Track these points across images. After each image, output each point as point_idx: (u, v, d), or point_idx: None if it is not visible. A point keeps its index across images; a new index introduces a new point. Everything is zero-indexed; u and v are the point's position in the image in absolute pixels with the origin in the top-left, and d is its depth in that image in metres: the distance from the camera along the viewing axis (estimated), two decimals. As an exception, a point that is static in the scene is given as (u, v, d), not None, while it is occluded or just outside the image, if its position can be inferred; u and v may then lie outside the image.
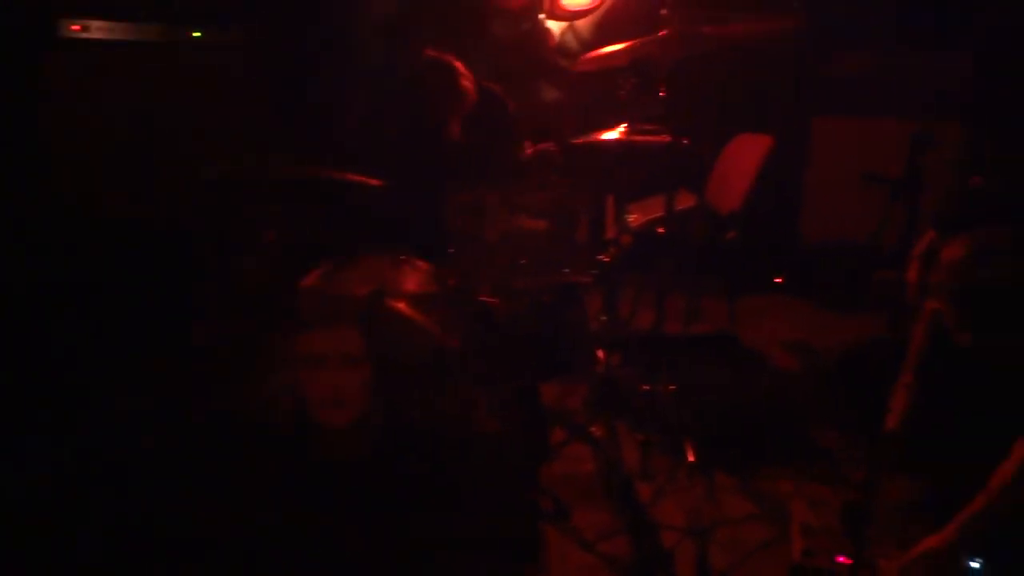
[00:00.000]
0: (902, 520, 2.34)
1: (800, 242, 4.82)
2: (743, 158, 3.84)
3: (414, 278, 2.57)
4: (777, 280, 4.77)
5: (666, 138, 2.67)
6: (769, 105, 4.73)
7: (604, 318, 3.20)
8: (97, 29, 3.74)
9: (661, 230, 2.93)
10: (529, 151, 3.26)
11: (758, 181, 3.63)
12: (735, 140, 4.03)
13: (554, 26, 4.56)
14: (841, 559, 2.12)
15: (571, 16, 4.42)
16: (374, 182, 2.47)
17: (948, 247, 2.12)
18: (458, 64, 3.13)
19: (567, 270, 2.55)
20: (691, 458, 2.83)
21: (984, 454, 2.15)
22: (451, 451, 2.16)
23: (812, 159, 4.73)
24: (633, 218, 3.65)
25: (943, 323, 2.25)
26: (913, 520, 2.29)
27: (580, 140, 2.89)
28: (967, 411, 2.28)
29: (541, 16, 4.46)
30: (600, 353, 3.22)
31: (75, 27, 3.69)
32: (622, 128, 2.80)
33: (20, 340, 2.99)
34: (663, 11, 2.84)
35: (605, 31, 4.39)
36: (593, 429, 3.01)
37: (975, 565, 2.10)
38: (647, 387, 2.92)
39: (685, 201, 3.55)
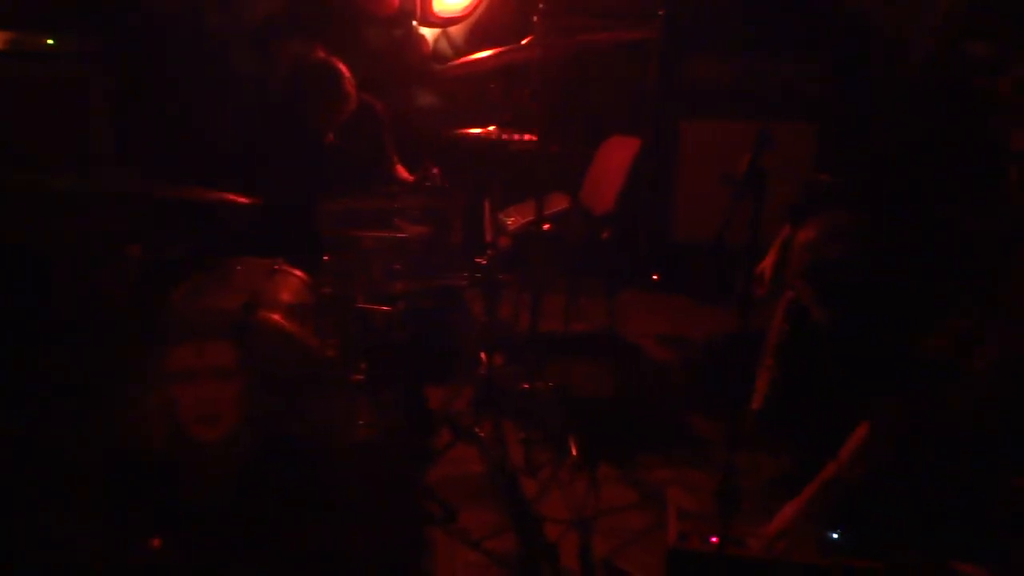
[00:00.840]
0: (773, 498, 2.48)
1: (674, 240, 5.00)
2: (615, 160, 3.97)
3: (289, 288, 2.54)
4: (654, 277, 4.95)
5: (534, 141, 2.74)
6: (641, 108, 4.90)
7: (485, 320, 3.24)
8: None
9: (545, 227, 2.99)
10: (406, 174, 3.28)
11: (629, 182, 3.75)
12: (607, 142, 4.16)
13: (428, 33, 4.58)
14: (715, 540, 2.22)
15: (443, 23, 4.45)
16: (242, 200, 2.42)
17: (801, 232, 2.29)
18: (343, 68, 3.11)
19: (444, 274, 2.56)
20: (574, 453, 2.91)
21: (844, 430, 2.32)
22: (330, 460, 2.15)
23: (681, 160, 4.91)
24: (511, 221, 3.72)
25: (801, 306, 2.41)
26: (782, 497, 2.42)
27: (451, 140, 2.93)
28: (827, 391, 2.44)
29: (414, 23, 4.47)
30: (483, 355, 3.26)
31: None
32: (491, 131, 2.86)
33: None
34: (535, 17, 2.92)
35: (478, 37, 4.45)
36: (478, 430, 3.04)
37: (835, 536, 2.25)
38: (527, 386, 2.97)
39: (560, 203, 3.65)
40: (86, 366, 2.21)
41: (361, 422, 2.46)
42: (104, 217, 2.61)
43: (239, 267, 2.45)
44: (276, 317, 2.22)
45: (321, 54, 3.13)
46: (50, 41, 3.73)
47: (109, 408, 2.12)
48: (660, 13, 4.69)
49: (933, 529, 2.27)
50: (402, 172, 3.30)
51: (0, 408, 2.56)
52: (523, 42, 2.68)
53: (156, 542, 1.95)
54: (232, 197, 2.54)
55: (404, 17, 4.43)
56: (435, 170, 2.70)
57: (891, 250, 2.19)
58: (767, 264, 2.80)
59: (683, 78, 4.89)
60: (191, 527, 2.00)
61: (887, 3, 4.27)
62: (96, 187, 2.49)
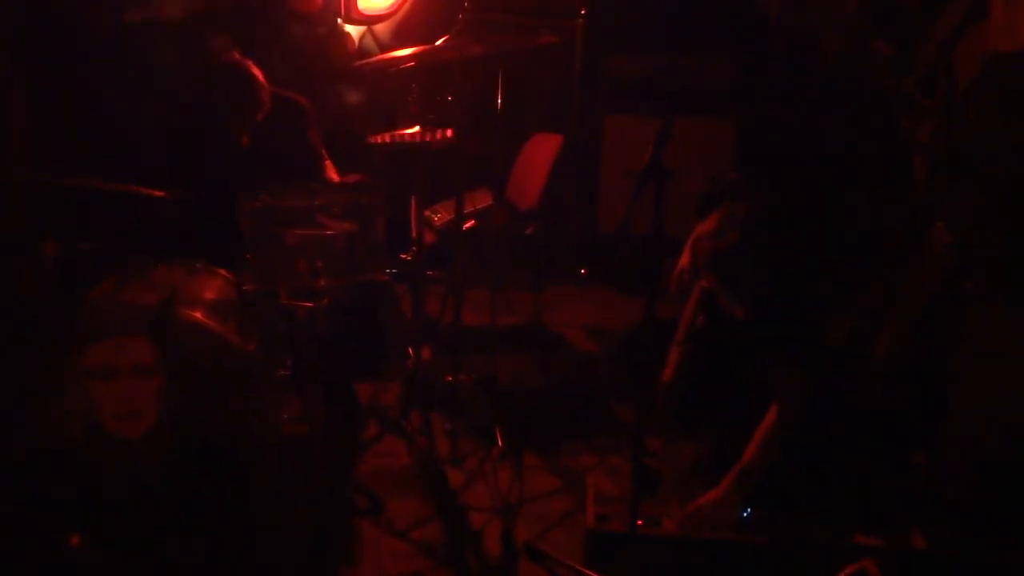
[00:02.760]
0: (688, 480, 2.59)
1: (599, 233, 5.11)
2: (538, 156, 4.05)
3: (211, 285, 2.54)
4: (582, 271, 5.05)
5: (452, 139, 2.79)
6: (565, 105, 4.99)
7: (412, 315, 3.29)
8: None
9: (469, 223, 3.04)
10: (334, 173, 3.30)
11: (553, 177, 3.84)
12: (531, 140, 4.25)
13: (353, 30, 4.59)
14: (640, 523, 2.31)
15: (368, 21, 4.46)
16: (158, 193, 2.42)
17: (704, 225, 2.40)
18: (254, 70, 3.09)
19: (368, 270, 2.60)
20: (500, 443, 2.98)
21: (752, 415, 2.44)
22: (254, 455, 2.17)
23: (605, 155, 5.03)
24: (437, 218, 3.77)
25: (712, 296, 2.53)
26: (699, 481, 2.54)
27: (376, 141, 2.97)
28: (739, 374, 2.56)
29: (339, 20, 4.47)
30: (410, 349, 3.31)
31: None
32: (415, 130, 2.91)
33: None
34: (459, 15, 2.96)
35: (403, 36, 4.47)
36: (405, 423, 3.09)
37: (744, 514, 2.37)
38: (452, 378, 3.03)
39: (484, 199, 3.72)
40: (2, 364, 2.18)
41: (286, 416, 2.49)
42: (19, 213, 2.57)
43: (159, 264, 2.45)
44: (196, 314, 2.23)
45: (234, 55, 3.09)
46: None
47: (27, 406, 2.11)
48: (582, 13, 4.80)
49: (837, 505, 2.41)
50: (331, 170, 3.31)
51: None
52: (438, 42, 2.73)
53: (75, 540, 1.95)
54: (147, 190, 2.53)
55: (329, 14, 4.43)
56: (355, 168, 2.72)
57: (788, 238, 2.31)
58: (683, 262, 2.91)
59: (605, 74, 5.01)
60: (112, 524, 2.01)
61: (798, 2, 4.45)
62: (9, 182, 2.46)
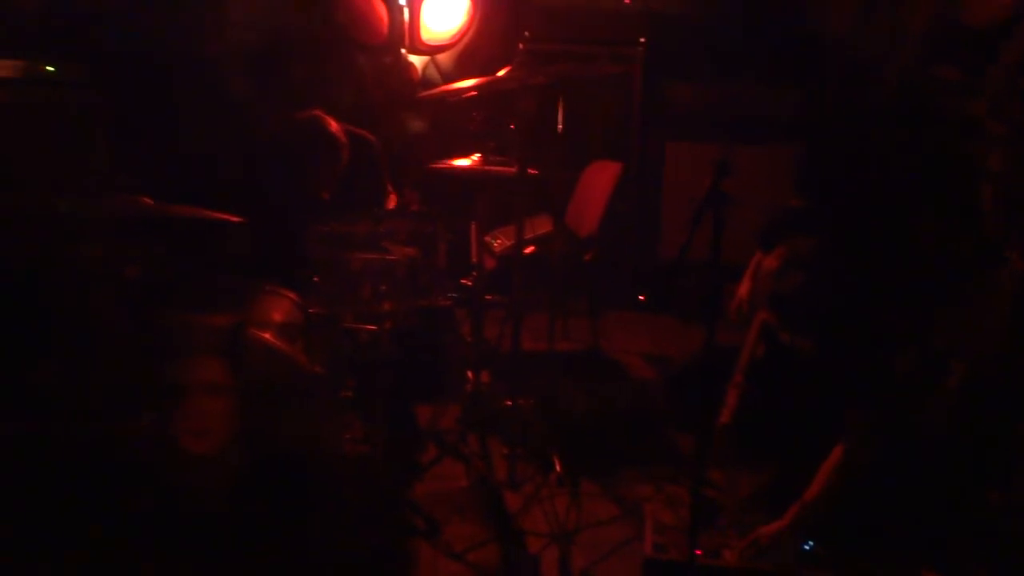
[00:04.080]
0: (747, 511, 2.56)
1: (660, 260, 5.10)
2: (598, 183, 4.08)
3: (280, 307, 2.62)
4: (640, 298, 5.04)
5: (514, 167, 2.84)
6: (626, 132, 5.03)
7: (471, 339, 3.33)
8: (-54, 66, 3.62)
9: (528, 249, 3.07)
10: (394, 202, 3.38)
11: (612, 204, 3.86)
12: (591, 167, 4.28)
13: (416, 60, 4.70)
14: (698, 552, 2.30)
15: (431, 51, 4.57)
16: (234, 219, 2.51)
17: (767, 259, 2.39)
18: (336, 128, 3.16)
19: (429, 295, 2.66)
20: (557, 468, 2.98)
21: (814, 448, 2.40)
22: (318, 474, 2.23)
23: (666, 182, 5.04)
24: (497, 243, 3.83)
25: (773, 331, 2.51)
26: (760, 512, 2.50)
27: (437, 168, 3.03)
28: (802, 408, 2.53)
29: (403, 51, 4.59)
30: (469, 373, 3.35)
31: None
32: (476, 157, 2.97)
33: None
34: (521, 45, 3.03)
35: (465, 65, 4.57)
36: (463, 446, 3.12)
37: (806, 547, 2.34)
38: (511, 403, 3.06)
39: (544, 225, 3.76)
40: (85, 382, 2.29)
41: (348, 437, 2.54)
42: (103, 239, 2.69)
43: (233, 287, 2.54)
44: (266, 335, 2.31)
45: (316, 112, 3.18)
46: (50, 68, 3.84)
47: (106, 422, 2.20)
48: (641, 41, 4.83)
49: (904, 540, 2.35)
50: (393, 199, 3.41)
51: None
52: (500, 73, 2.79)
53: (148, 552, 2.02)
54: (225, 216, 2.63)
55: (393, 45, 4.55)
56: (414, 195, 2.78)
57: (855, 275, 2.29)
58: (743, 291, 2.90)
59: (666, 102, 5.03)
60: (183, 539, 2.08)
61: (861, 28, 4.41)
62: (95, 210, 2.58)
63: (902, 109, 3.81)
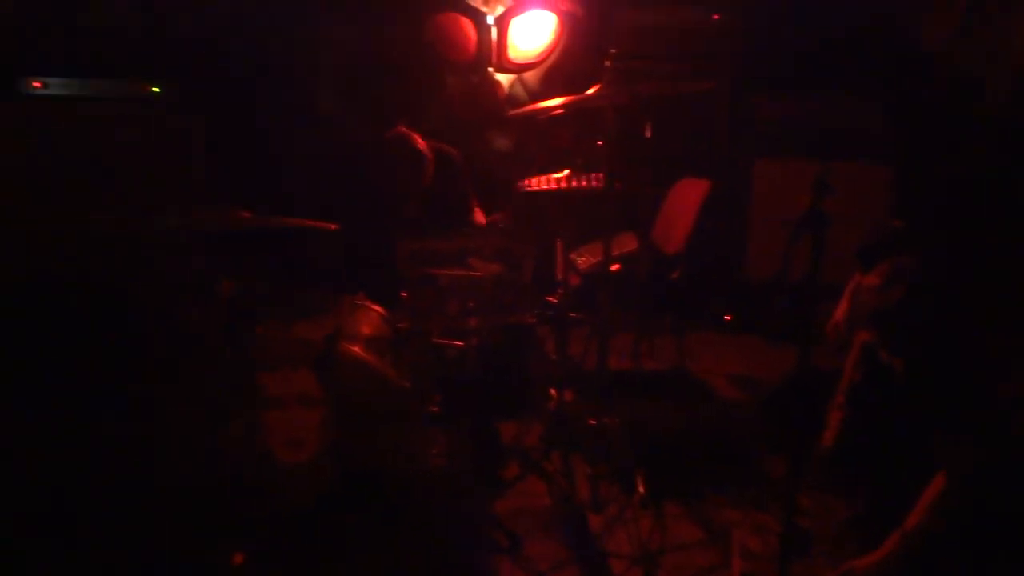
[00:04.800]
0: (841, 541, 2.47)
1: (747, 279, 5.00)
2: (685, 201, 4.03)
3: (369, 322, 2.67)
4: (726, 318, 4.95)
5: (601, 184, 2.83)
6: (713, 149, 4.96)
7: (555, 357, 3.32)
8: (57, 86, 3.84)
9: (614, 267, 3.06)
10: (482, 217, 3.41)
11: (699, 222, 3.81)
12: (678, 184, 4.23)
13: (503, 78, 4.75)
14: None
15: (518, 69, 4.61)
16: (331, 227, 2.58)
17: (867, 277, 2.31)
18: (422, 145, 3.25)
19: (515, 312, 2.66)
20: (641, 489, 2.94)
21: (914, 476, 2.30)
22: (404, 487, 2.25)
23: (754, 199, 4.94)
24: (582, 260, 3.81)
25: (873, 351, 2.42)
26: (852, 542, 2.41)
27: (524, 186, 3.04)
28: (901, 434, 2.43)
29: (490, 69, 4.64)
30: (552, 391, 3.33)
31: (36, 84, 3.80)
32: (564, 174, 2.97)
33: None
34: (607, 62, 3.01)
35: (552, 82, 4.59)
36: (546, 464, 3.11)
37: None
38: (595, 422, 3.03)
39: (630, 243, 3.73)
40: (181, 392, 2.38)
41: (434, 452, 2.56)
42: (200, 253, 2.80)
43: (324, 301, 2.60)
44: (356, 349, 2.35)
45: (403, 129, 3.27)
46: (156, 89, 4.03)
47: (203, 430, 2.28)
48: (729, 56, 4.77)
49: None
50: (479, 215, 3.44)
51: (99, 425, 2.75)
52: (589, 91, 2.79)
53: (239, 558, 2.08)
54: (319, 224, 2.70)
55: (481, 64, 4.61)
56: (501, 213, 2.80)
57: (958, 293, 2.19)
58: (841, 311, 2.80)
59: (755, 118, 4.94)
60: (273, 546, 2.13)
61: (964, 42, 4.24)
62: (193, 224, 2.68)
63: (1005, 124, 3.65)
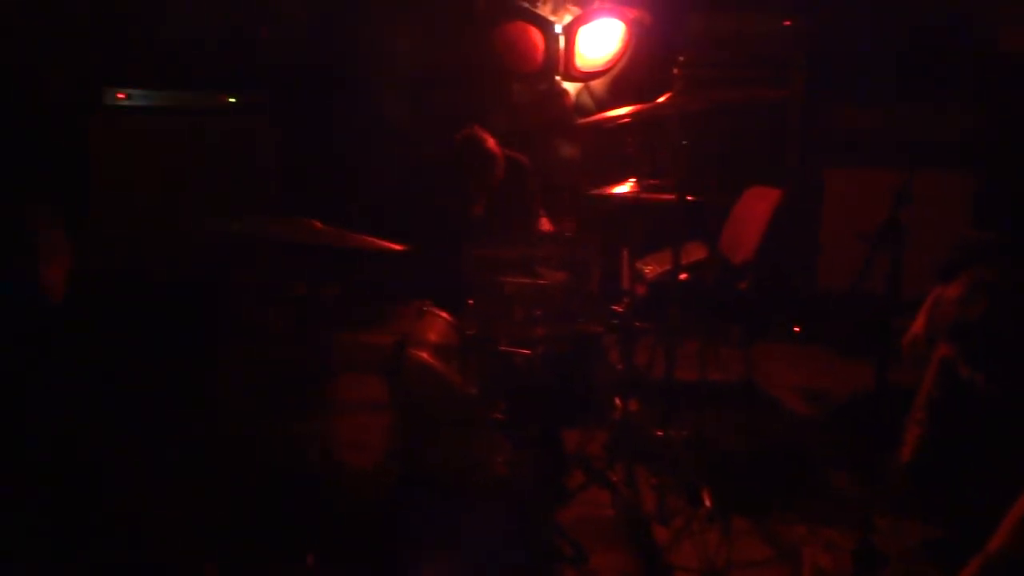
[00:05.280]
0: (916, 562, 2.39)
1: (817, 291, 4.89)
2: (754, 210, 3.96)
3: (436, 329, 2.70)
4: (795, 329, 4.84)
5: (671, 193, 2.80)
6: (783, 157, 4.87)
7: (621, 366, 3.29)
8: (140, 96, 4.00)
9: (682, 276, 3.02)
10: (547, 226, 3.41)
11: (769, 232, 3.74)
12: (747, 193, 4.16)
13: (570, 87, 4.75)
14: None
15: (585, 77, 4.61)
16: (396, 247, 2.61)
17: (948, 288, 2.24)
18: (492, 144, 3.28)
19: (582, 320, 2.66)
20: (707, 502, 2.89)
21: (997, 496, 2.21)
22: (469, 493, 2.26)
23: (826, 209, 4.83)
24: (648, 269, 3.77)
25: (953, 366, 2.34)
26: (928, 564, 2.33)
27: (592, 194, 3.04)
28: (982, 452, 2.35)
29: (557, 77, 4.65)
30: (617, 400, 3.31)
31: (120, 95, 3.96)
32: (631, 183, 2.95)
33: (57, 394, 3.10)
34: (675, 70, 3.01)
35: (619, 90, 4.57)
36: (611, 474, 3.08)
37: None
38: (661, 433, 2.99)
39: (697, 252, 3.68)
40: (253, 393, 2.43)
41: (498, 459, 2.57)
42: (274, 260, 2.86)
43: (392, 307, 2.63)
44: (424, 355, 2.37)
45: (476, 130, 3.30)
46: (232, 99, 4.16)
47: (273, 431, 2.33)
48: (801, 63, 4.68)
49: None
50: (546, 223, 3.44)
51: (177, 422, 2.83)
52: (660, 100, 2.76)
53: (310, 559, 2.11)
54: (387, 244, 2.74)
55: (548, 72, 4.62)
56: (569, 221, 2.80)
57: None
58: (919, 324, 2.71)
59: (828, 126, 4.83)
60: (342, 546, 2.16)
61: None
62: (267, 232, 2.75)
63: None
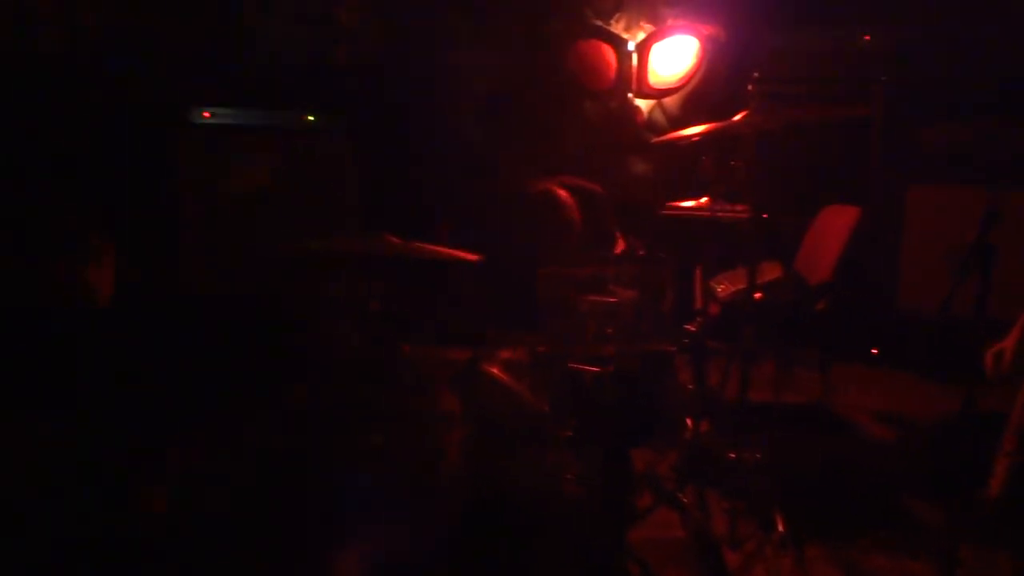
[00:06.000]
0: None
1: (898, 312, 4.75)
2: (832, 229, 3.88)
3: (508, 344, 2.71)
4: (873, 351, 4.71)
5: (745, 212, 2.77)
6: (862, 175, 4.75)
7: (692, 386, 3.25)
8: (224, 115, 4.14)
9: (757, 296, 2.98)
10: (621, 246, 3.40)
11: (848, 252, 3.66)
12: (824, 211, 4.08)
13: (642, 104, 4.74)
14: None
15: (659, 95, 4.60)
16: (472, 257, 2.65)
17: None
18: (565, 197, 3.25)
19: (654, 339, 2.64)
20: (780, 527, 2.83)
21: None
22: (539, 511, 2.26)
23: (907, 228, 4.70)
24: (721, 288, 3.73)
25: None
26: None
27: (664, 213, 3.02)
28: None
29: (630, 95, 4.65)
30: (688, 420, 3.27)
31: (205, 114, 4.11)
32: (703, 201, 2.93)
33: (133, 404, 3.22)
34: (750, 87, 2.98)
35: (693, 107, 4.54)
36: (681, 495, 3.04)
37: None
38: (734, 455, 2.94)
39: (772, 272, 3.61)
40: (329, 406, 2.48)
41: (568, 476, 2.56)
42: (351, 275, 2.93)
43: (464, 322, 2.66)
44: (495, 370, 2.39)
45: (549, 188, 3.28)
46: (311, 118, 4.28)
47: (346, 443, 2.37)
48: (882, 79, 4.57)
49: None
50: (620, 243, 3.44)
51: (250, 432, 2.90)
52: (735, 118, 2.74)
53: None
54: (461, 255, 2.78)
55: (620, 90, 4.62)
56: (641, 240, 2.78)
57: None
58: (1009, 343, 2.61)
59: (910, 142, 4.70)
60: (408, 565, 2.18)
61: None
62: (345, 247, 2.83)
63: None
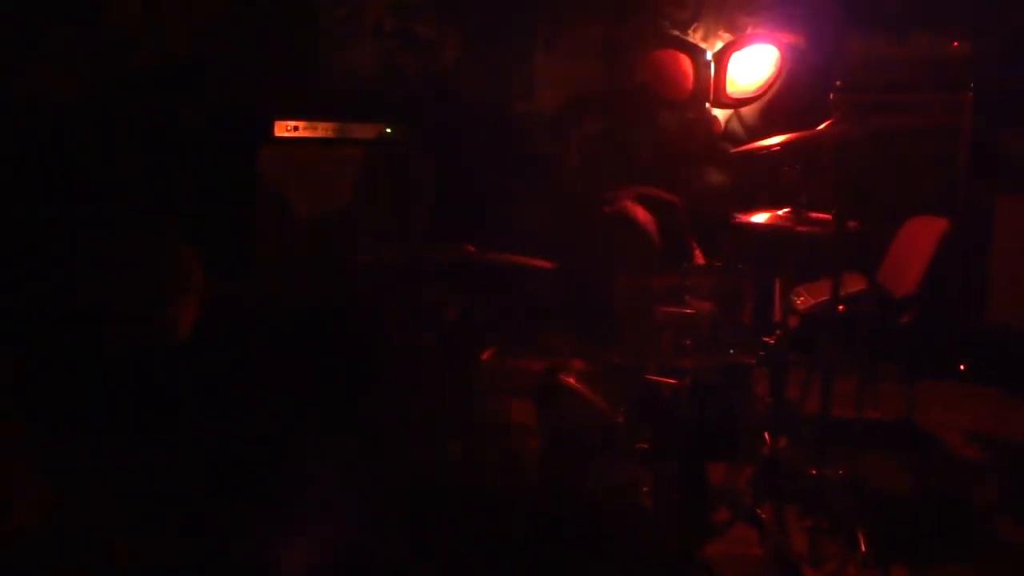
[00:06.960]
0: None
1: (987, 327, 4.57)
2: (918, 241, 3.76)
3: (583, 355, 2.72)
4: (961, 367, 4.54)
5: (830, 224, 2.71)
6: (948, 185, 4.60)
7: (770, 400, 3.19)
8: (306, 128, 4.26)
9: (840, 309, 2.92)
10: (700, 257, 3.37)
11: (935, 265, 3.54)
12: (910, 223, 3.95)
13: (720, 113, 4.68)
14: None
15: (736, 104, 4.54)
16: (546, 264, 2.66)
17: None
18: (643, 217, 3.23)
19: (732, 351, 2.60)
20: (864, 548, 2.75)
21: None
22: (614, 522, 2.25)
23: (997, 240, 4.52)
24: (800, 300, 3.65)
25: None
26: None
27: (745, 224, 2.98)
28: None
29: (707, 104, 4.60)
30: (766, 435, 3.21)
31: (289, 128, 4.24)
32: (785, 211, 2.87)
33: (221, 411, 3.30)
34: (831, 95, 2.92)
35: (771, 117, 4.47)
36: (759, 511, 2.98)
37: None
38: (815, 472, 2.88)
39: (855, 284, 3.52)
40: (408, 411, 2.52)
41: (644, 489, 2.55)
42: (427, 284, 2.98)
43: (541, 332, 2.68)
44: (572, 380, 2.40)
45: (624, 204, 3.26)
46: (389, 130, 4.37)
47: (422, 448, 2.41)
48: (970, 88, 4.41)
49: None
50: (698, 255, 3.41)
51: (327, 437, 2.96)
52: (819, 127, 2.69)
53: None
54: (536, 262, 2.79)
55: (697, 100, 4.58)
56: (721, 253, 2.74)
57: None
58: None
59: (998, 152, 4.53)
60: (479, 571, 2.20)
61: None
62: (423, 257, 2.87)
63: None
